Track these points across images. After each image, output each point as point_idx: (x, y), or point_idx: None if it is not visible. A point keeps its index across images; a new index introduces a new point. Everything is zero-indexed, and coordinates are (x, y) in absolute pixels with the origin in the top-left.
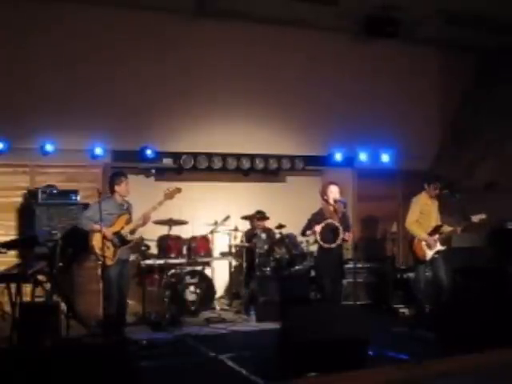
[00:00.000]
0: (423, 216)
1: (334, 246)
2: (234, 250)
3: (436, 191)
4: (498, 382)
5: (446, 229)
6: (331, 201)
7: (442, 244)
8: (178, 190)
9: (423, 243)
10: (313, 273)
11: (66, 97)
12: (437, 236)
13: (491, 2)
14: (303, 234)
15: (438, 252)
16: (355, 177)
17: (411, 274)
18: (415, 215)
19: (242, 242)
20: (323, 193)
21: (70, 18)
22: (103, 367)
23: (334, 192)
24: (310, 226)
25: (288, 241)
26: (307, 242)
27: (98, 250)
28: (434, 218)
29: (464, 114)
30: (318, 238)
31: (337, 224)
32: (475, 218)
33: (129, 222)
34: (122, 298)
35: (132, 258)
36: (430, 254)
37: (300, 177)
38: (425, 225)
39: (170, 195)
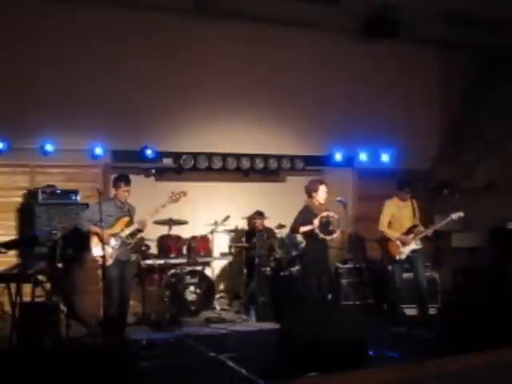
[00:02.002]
0: (395, 219)
1: (335, 235)
2: (233, 250)
3: (407, 195)
4: (498, 381)
5: (420, 229)
6: (321, 200)
7: (418, 243)
8: (184, 194)
9: (398, 242)
10: None
11: (65, 97)
12: (412, 235)
13: (491, 2)
14: (296, 231)
15: (414, 251)
16: (355, 177)
17: (410, 274)
18: (386, 218)
19: (241, 242)
20: (312, 190)
21: (71, 19)
22: (103, 367)
23: (324, 192)
24: (299, 222)
25: (288, 241)
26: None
27: (95, 251)
28: (407, 220)
29: (464, 114)
30: (317, 230)
31: (332, 214)
32: (454, 216)
33: (129, 224)
34: (124, 299)
35: (132, 258)
36: (405, 251)
37: (300, 177)
38: (396, 227)
39: (175, 199)
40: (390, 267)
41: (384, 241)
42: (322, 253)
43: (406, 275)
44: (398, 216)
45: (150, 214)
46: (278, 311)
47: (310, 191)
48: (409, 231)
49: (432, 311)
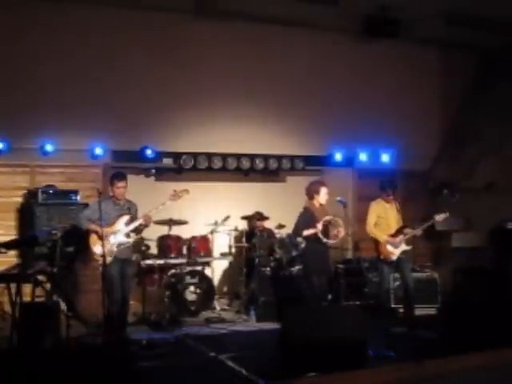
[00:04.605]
0: (381, 219)
1: (338, 239)
2: (233, 250)
3: (389, 197)
4: (498, 382)
5: (408, 230)
6: (322, 201)
7: (407, 244)
8: (187, 192)
9: (387, 245)
10: None
11: (65, 97)
12: (401, 236)
13: (491, 2)
14: (299, 234)
15: (404, 252)
16: (355, 177)
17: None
18: (373, 219)
19: (241, 242)
20: (314, 192)
21: (71, 18)
22: (103, 367)
23: (325, 193)
24: (301, 226)
25: (288, 241)
26: None
27: (94, 249)
28: (393, 221)
29: (464, 113)
30: (321, 235)
31: (335, 218)
32: (438, 217)
33: (129, 222)
34: (124, 298)
35: (132, 257)
36: (396, 253)
37: (300, 177)
38: (384, 227)
39: (176, 197)
40: (379, 267)
41: (374, 242)
42: (322, 253)
43: (396, 275)
44: (384, 217)
45: (155, 208)
46: (281, 311)
47: (312, 193)
48: (397, 232)
49: (432, 311)
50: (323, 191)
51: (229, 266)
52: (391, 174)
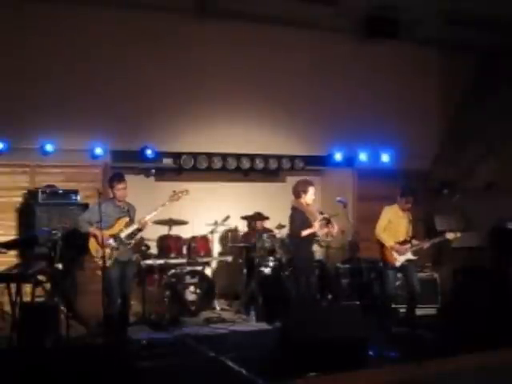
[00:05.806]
0: (391, 225)
1: (334, 235)
2: (233, 250)
3: (408, 205)
4: (498, 382)
5: (416, 242)
6: (309, 201)
7: (414, 254)
8: (186, 192)
9: (393, 251)
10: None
11: (65, 97)
12: (408, 245)
13: (491, 2)
14: (298, 235)
15: (408, 260)
16: (355, 177)
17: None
18: (384, 223)
19: (241, 242)
20: (301, 191)
21: (70, 18)
22: (103, 367)
23: (312, 193)
24: (299, 226)
25: (288, 241)
26: None
27: (94, 252)
28: (403, 229)
29: (464, 114)
30: (319, 233)
31: (328, 216)
32: (449, 236)
33: (129, 224)
34: (124, 298)
35: (133, 258)
36: (400, 260)
37: (300, 177)
38: (392, 233)
39: (176, 198)
40: (383, 272)
41: (380, 246)
42: (311, 253)
43: (400, 276)
44: (395, 222)
45: (154, 210)
46: (273, 312)
47: (299, 192)
48: (405, 242)
49: (432, 311)
50: (311, 191)
51: (229, 266)
52: (391, 173)
